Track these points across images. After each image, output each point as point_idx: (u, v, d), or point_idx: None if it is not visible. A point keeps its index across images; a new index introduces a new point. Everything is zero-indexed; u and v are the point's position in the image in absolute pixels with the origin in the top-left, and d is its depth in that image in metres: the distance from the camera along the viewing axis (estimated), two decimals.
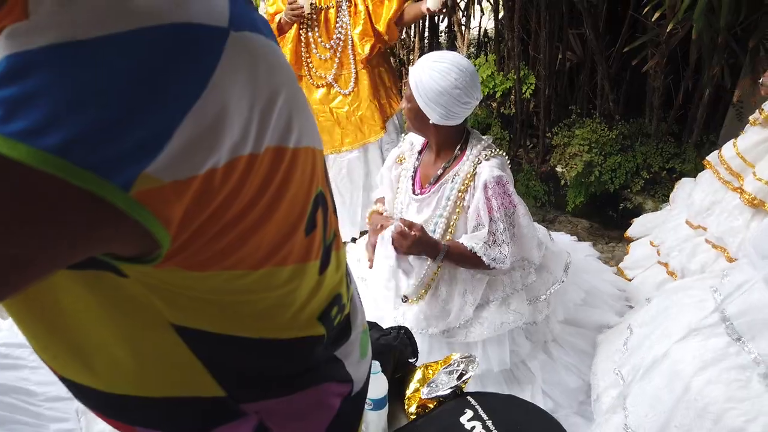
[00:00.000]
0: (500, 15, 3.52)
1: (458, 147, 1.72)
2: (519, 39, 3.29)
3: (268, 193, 0.53)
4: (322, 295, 0.69)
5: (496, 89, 3.47)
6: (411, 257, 1.76)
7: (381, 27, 2.58)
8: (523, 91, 3.40)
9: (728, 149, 2.12)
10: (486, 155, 1.68)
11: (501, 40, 3.58)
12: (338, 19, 2.59)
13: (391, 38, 2.65)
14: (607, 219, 3.29)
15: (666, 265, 2.24)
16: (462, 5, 3.89)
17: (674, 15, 2.50)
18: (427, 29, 4.02)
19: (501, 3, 3.42)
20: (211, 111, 0.44)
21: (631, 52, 2.95)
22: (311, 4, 2.55)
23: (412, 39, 3.89)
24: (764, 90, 1.95)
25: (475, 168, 1.67)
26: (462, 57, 1.62)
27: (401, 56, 3.95)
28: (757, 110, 2.04)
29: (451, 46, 3.96)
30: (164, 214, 0.44)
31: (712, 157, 2.20)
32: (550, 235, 2.11)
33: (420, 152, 1.85)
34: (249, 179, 0.50)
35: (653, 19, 2.61)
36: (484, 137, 1.75)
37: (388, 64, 2.86)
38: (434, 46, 4.10)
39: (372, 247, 1.78)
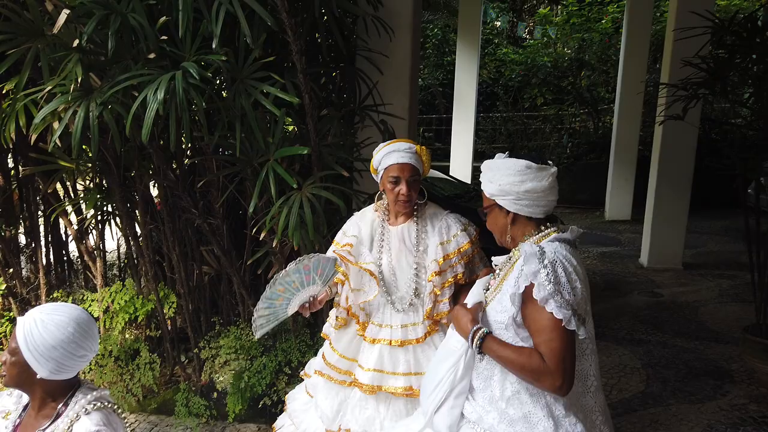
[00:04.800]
0: (131, 243, 3.59)
1: (63, 402, 1.58)
2: (153, 263, 3.37)
3: None
4: None
5: (138, 313, 3.40)
6: None
7: None
8: (166, 311, 3.42)
9: (331, 355, 2.27)
10: (87, 410, 1.57)
11: (137, 264, 3.61)
12: None
13: None
14: (274, 419, 3.36)
15: None
16: (94, 231, 3.84)
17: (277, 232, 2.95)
18: (52, 260, 3.79)
19: (128, 232, 3.50)
20: None
21: (257, 263, 3.31)
22: None
23: (36, 274, 3.59)
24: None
25: (72, 426, 1.54)
26: (78, 308, 1.57)
27: (24, 294, 3.57)
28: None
29: (86, 276, 3.79)
30: None
31: (318, 366, 2.32)
32: None
33: (26, 407, 1.65)
34: None
35: (261, 238, 3.03)
36: (98, 389, 1.64)
37: None
38: (67, 278, 3.86)
39: None
